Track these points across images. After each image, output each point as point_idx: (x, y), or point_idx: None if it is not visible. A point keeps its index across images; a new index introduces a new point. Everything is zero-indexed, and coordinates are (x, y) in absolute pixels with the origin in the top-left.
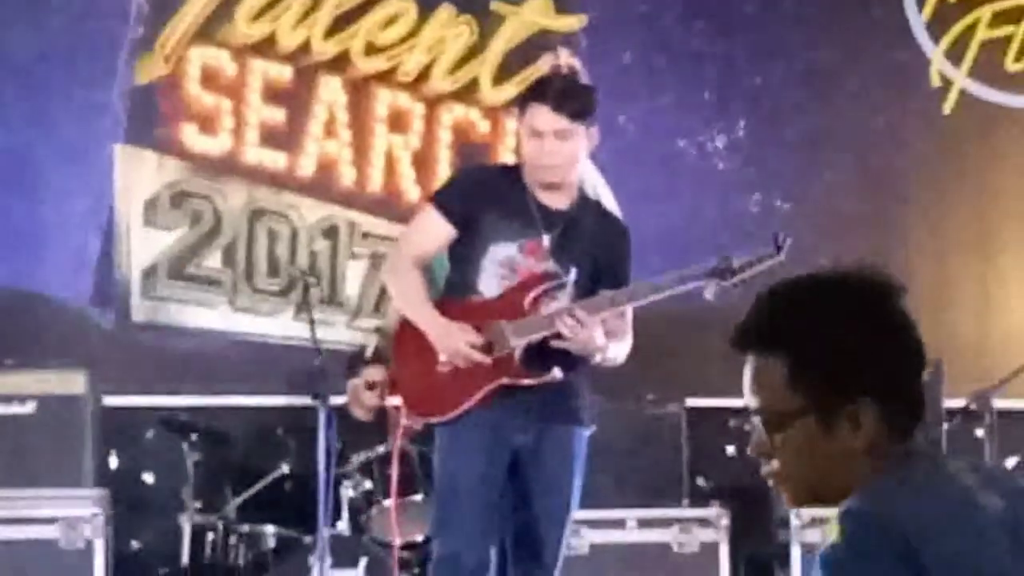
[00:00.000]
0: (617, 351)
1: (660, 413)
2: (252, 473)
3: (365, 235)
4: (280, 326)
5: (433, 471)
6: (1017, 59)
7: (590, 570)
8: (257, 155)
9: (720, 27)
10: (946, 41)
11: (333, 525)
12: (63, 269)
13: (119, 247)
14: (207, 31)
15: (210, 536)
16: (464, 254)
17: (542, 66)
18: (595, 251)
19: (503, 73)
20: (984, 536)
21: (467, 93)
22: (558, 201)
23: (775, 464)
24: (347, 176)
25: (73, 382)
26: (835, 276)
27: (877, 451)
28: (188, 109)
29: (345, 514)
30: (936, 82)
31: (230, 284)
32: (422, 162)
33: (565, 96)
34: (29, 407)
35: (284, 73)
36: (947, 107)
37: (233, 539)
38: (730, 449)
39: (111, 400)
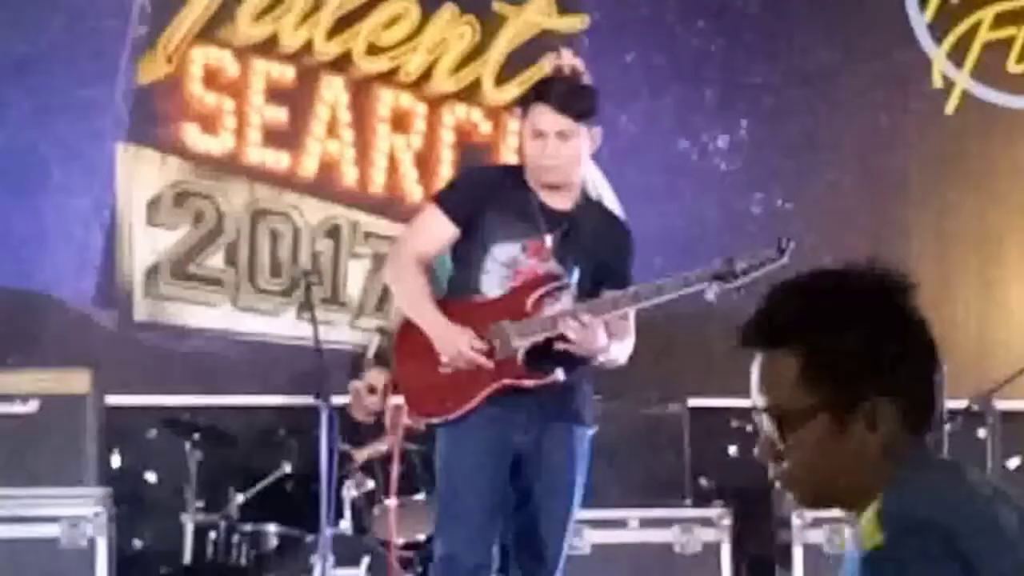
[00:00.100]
0: (619, 352)
1: (662, 413)
2: (254, 472)
3: (367, 235)
4: (282, 326)
5: (435, 471)
6: (1019, 60)
7: (592, 570)
8: (259, 155)
9: (722, 27)
10: (948, 42)
11: (335, 524)
12: (66, 269)
13: (121, 247)
14: (209, 31)
15: (212, 535)
16: (467, 254)
17: (544, 66)
18: (598, 252)
19: (505, 73)
20: (1016, 541)
21: (469, 93)
22: (561, 202)
23: (785, 465)
24: (349, 176)
25: (76, 381)
26: (846, 272)
27: (892, 453)
28: (190, 109)
29: (347, 513)
30: (938, 83)
31: (232, 284)
32: (424, 162)
33: (568, 97)
34: (32, 406)
35: (286, 73)
36: (949, 108)
37: (235, 538)
38: (732, 449)
39: (114, 399)
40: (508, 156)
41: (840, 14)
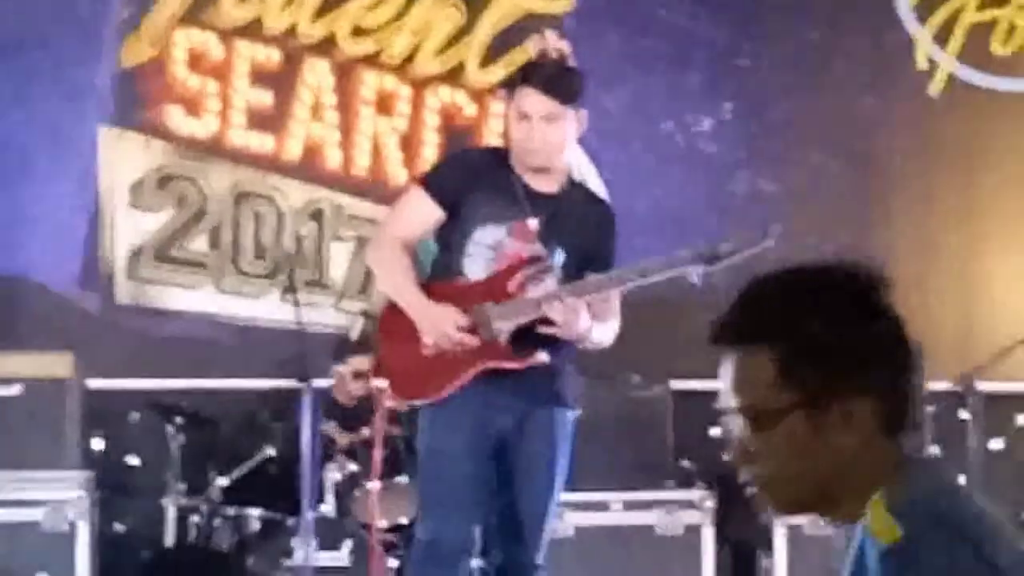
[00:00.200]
0: (602, 334)
1: (645, 396)
2: (237, 456)
3: (351, 218)
4: (266, 309)
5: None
6: (1004, 42)
7: (575, 552)
8: (243, 138)
9: (706, 9)
10: (933, 24)
11: (317, 508)
12: (48, 252)
13: (104, 230)
14: (193, 13)
15: (195, 519)
16: (451, 237)
17: (529, 48)
18: (582, 235)
19: (490, 56)
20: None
21: (454, 76)
22: (546, 185)
23: (758, 468)
24: (333, 159)
25: (58, 365)
26: (821, 268)
27: (869, 454)
28: (174, 92)
29: (330, 496)
30: (923, 65)
31: (216, 267)
32: (409, 145)
33: (555, 80)
34: (14, 390)
35: (271, 56)
36: (934, 90)
37: (218, 521)
38: (715, 432)
39: (96, 383)
40: (492, 138)
41: None
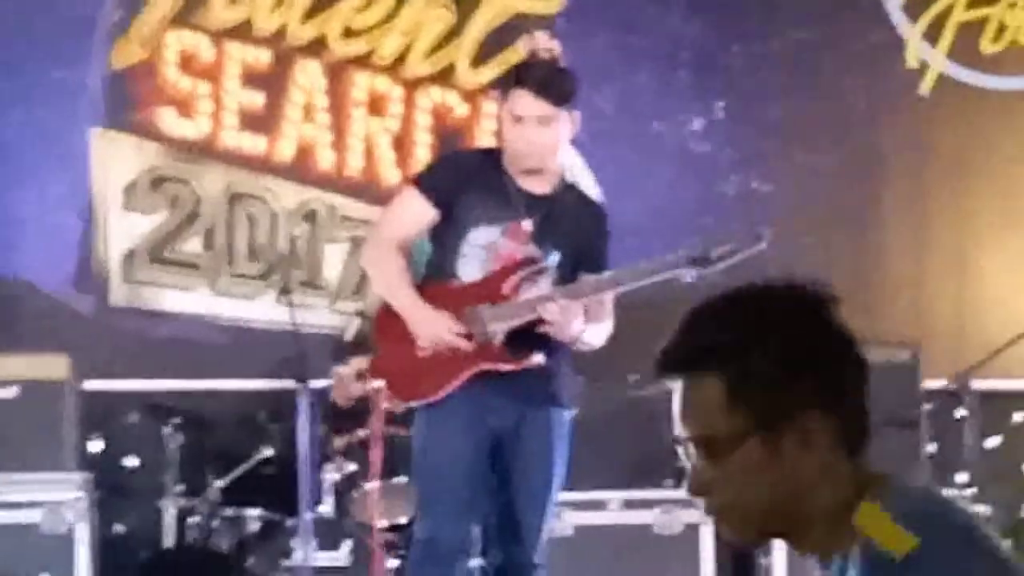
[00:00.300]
0: (595, 336)
1: (642, 395)
2: (234, 457)
3: (344, 219)
4: (260, 310)
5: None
6: (993, 41)
7: (573, 552)
8: (236, 139)
9: (697, 8)
10: (923, 23)
11: (316, 508)
12: (42, 254)
13: (98, 232)
14: (184, 15)
15: (193, 520)
16: (445, 238)
17: (520, 49)
18: (575, 236)
19: (481, 56)
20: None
21: (445, 76)
22: (539, 186)
23: (717, 498)
24: (326, 160)
25: (54, 367)
26: (765, 288)
27: (832, 474)
28: (166, 93)
29: (328, 497)
30: (913, 64)
31: (210, 268)
32: (401, 145)
33: (547, 82)
34: (11, 392)
35: (262, 57)
36: (924, 89)
37: (216, 523)
38: None
39: (92, 384)
40: (484, 139)
41: None
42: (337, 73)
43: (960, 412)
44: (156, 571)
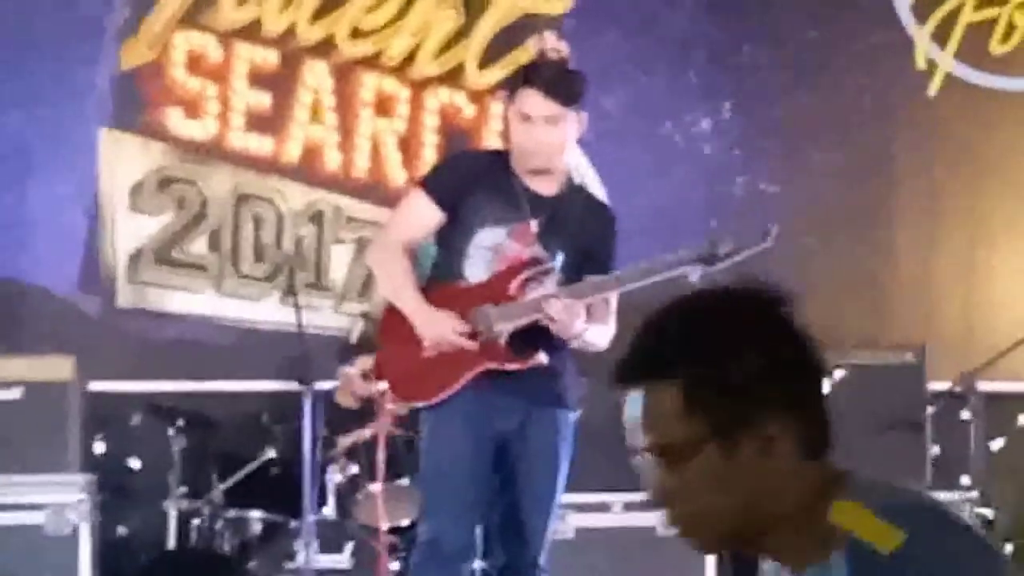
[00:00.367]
0: (598, 336)
1: None
2: (238, 458)
3: (351, 220)
4: (266, 311)
5: (418, 456)
6: (1002, 42)
7: (576, 554)
8: (243, 140)
9: (706, 9)
10: (931, 24)
11: (319, 510)
12: (48, 255)
13: (104, 233)
14: (192, 16)
15: (196, 521)
16: (451, 239)
17: (529, 49)
18: (582, 237)
19: (489, 57)
20: None
21: (453, 77)
22: (546, 187)
23: (678, 508)
24: (333, 161)
25: (59, 368)
26: (720, 293)
27: (794, 478)
28: (173, 94)
29: (331, 499)
30: (921, 65)
31: (216, 269)
32: (408, 146)
33: (556, 81)
34: (15, 393)
35: (269, 58)
36: (932, 90)
37: (219, 524)
38: None
39: (97, 386)
40: (492, 140)
41: None
42: (345, 74)
43: (965, 414)
44: (159, 573)
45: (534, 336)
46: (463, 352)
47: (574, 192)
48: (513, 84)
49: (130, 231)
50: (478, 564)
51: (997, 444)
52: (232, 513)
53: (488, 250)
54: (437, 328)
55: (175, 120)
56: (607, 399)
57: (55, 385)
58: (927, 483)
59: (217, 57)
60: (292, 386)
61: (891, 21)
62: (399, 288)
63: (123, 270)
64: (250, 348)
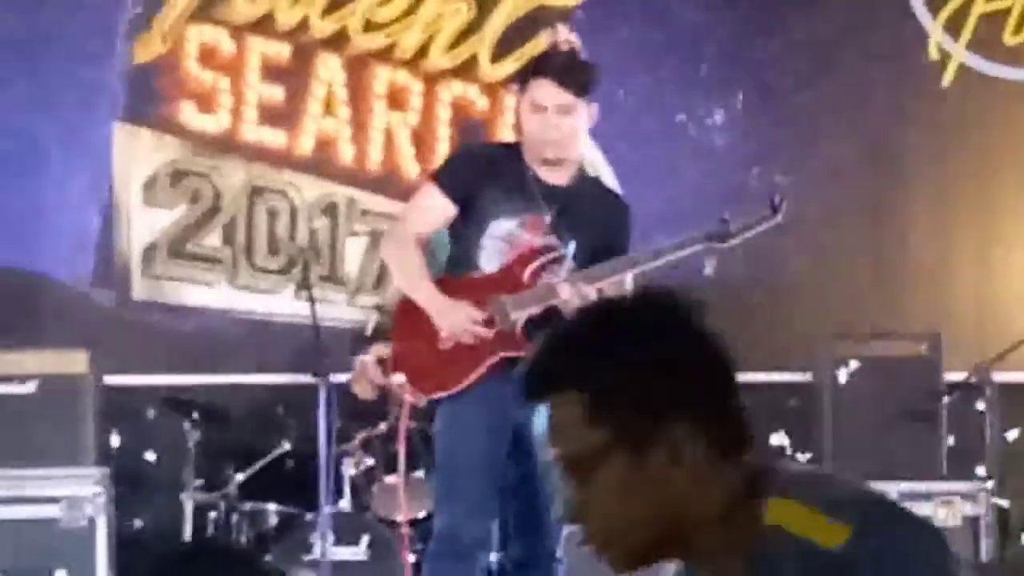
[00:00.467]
0: None
1: None
2: (253, 451)
3: (364, 212)
4: (280, 304)
5: (433, 448)
6: (1015, 32)
7: None
8: (256, 133)
9: (718, 1)
10: (944, 14)
11: (335, 503)
12: (63, 249)
13: (119, 226)
14: (205, 9)
15: (212, 514)
16: (464, 231)
17: (541, 42)
18: (595, 227)
19: (502, 49)
20: None
21: (466, 70)
22: (558, 177)
23: (591, 523)
24: (346, 153)
25: (74, 361)
26: (620, 301)
27: (707, 482)
28: (186, 87)
29: (347, 491)
30: (934, 55)
31: (230, 262)
32: (421, 139)
33: (568, 71)
34: (30, 387)
35: (282, 51)
36: (946, 81)
37: (235, 517)
38: None
39: (112, 379)
40: (505, 132)
41: None
42: (357, 67)
43: (980, 405)
44: (174, 565)
45: (549, 323)
46: (479, 342)
47: (587, 182)
48: (524, 75)
49: (144, 225)
50: (494, 556)
51: (1012, 435)
52: (248, 506)
53: (501, 241)
54: (453, 318)
55: (188, 114)
56: None
57: (70, 378)
58: (943, 474)
59: (230, 51)
60: (307, 379)
61: (904, 12)
62: (414, 280)
63: (137, 263)
64: (265, 341)
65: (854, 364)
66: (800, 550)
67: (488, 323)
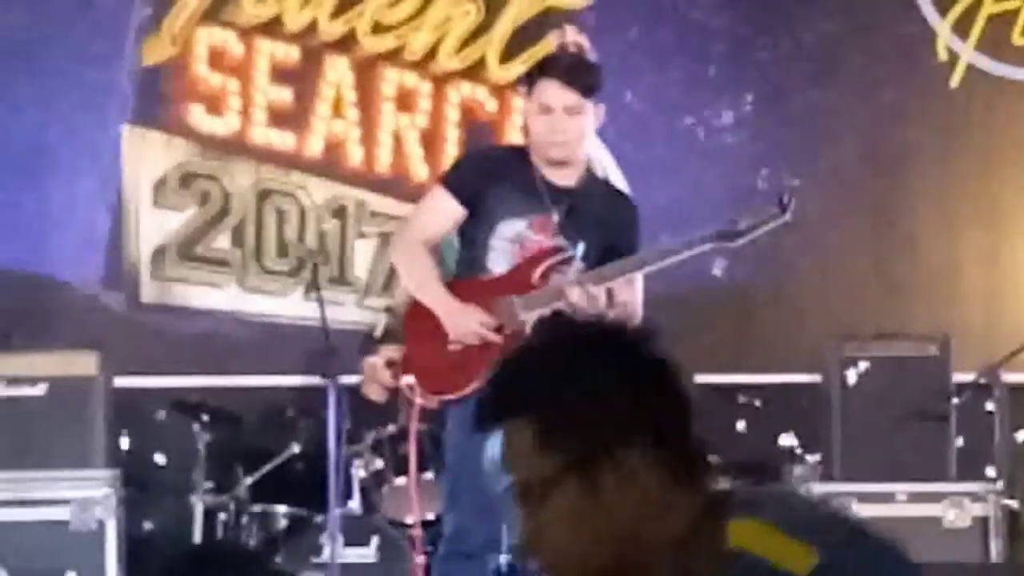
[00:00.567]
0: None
1: None
2: (263, 453)
3: (373, 214)
4: (289, 306)
5: (443, 449)
6: None
7: None
8: (265, 135)
9: (726, 2)
10: (953, 15)
11: (344, 504)
12: (72, 251)
13: (128, 229)
14: (213, 12)
15: (221, 516)
16: (473, 234)
17: (549, 43)
18: (604, 228)
19: (510, 51)
20: None
21: (474, 71)
22: (565, 178)
23: (545, 553)
24: (355, 155)
25: (84, 364)
26: (574, 326)
27: (662, 506)
28: (195, 90)
29: (356, 493)
30: (943, 56)
31: (239, 264)
32: (430, 141)
33: (575, 72)
34: (40, 389)
35: (291, 53)
36: (954, 81)
37: (244, 519)
38: (740, 425)
39: (122, 381)
40: (514, 134)
41: None
42: (366, 69)
43: (989, 405)
44: (184, 567)
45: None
46: (489, 344)
47: (594, 183)
48: (531, 76)
49: (153, 227)
50: (504, 558)
51: (1022, 435)
52: (257, 508)
53: (510, 242)
54: (462, 321)
55: (197, 116)
56: None
57: (80, 381)
58: (952, 475)
59: (239, 53)
60: (316, 381)
61: (912, 12)
62: (423, 284)
63: (147, 266)
64: (274, 343)
65: (863, 365)
66: (765, 573)
67: (498, 326)
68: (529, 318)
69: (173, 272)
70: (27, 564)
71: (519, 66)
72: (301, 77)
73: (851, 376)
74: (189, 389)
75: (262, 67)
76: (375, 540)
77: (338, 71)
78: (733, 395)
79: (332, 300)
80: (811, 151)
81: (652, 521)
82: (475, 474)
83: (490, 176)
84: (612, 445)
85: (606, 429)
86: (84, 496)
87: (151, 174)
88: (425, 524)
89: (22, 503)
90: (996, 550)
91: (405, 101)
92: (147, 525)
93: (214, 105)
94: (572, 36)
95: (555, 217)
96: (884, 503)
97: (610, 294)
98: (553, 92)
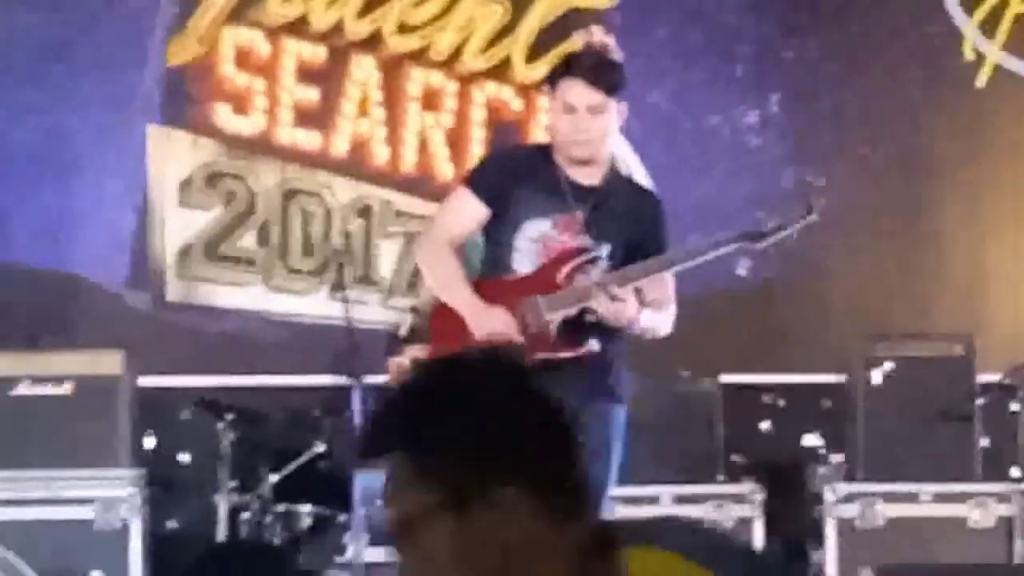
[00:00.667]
0: (657, 322)
1: (695, 390)
2: (287, 452)
3: (399, 214)
4: (314, 306)
5: None
6: None
7: None
8: (291, 135)
9: (753, 2)
10: (979, 15)
11: (369, 503)
12: (99, 250)
13: (154, 228)
14: (240, 12)
15: (245, 515)
16: (498, 233)
17: (575, 43)
18: (629, 226)
19: (536, 51)
20: None
21: (500, 71)
22: (589, 177)
23: None
24: (380, 155)
25: (109, 363)
26: (458, 362)
27: (541, 543)
28: (221, 89)
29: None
30: (969, 56)
31: (264, 264)
32: (455, 140)
33: (598, 71)
34: (66, 388)
35: (317, 53)
36: (980, 81)
37: (268, 518)
38: (764, 425)
39: (147, 380)
40: (539, 133)
41: None
42: (392, 68)
43: (1014, 406)
44: (209, 566)
45: (585, 325)
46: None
47: (618, 181)
48: (554, 75)
49: (179, 227)
50: None
51: None
52: (282, 507)
53: (534, 242)
54: (487, 322)
55: (223, 116)
56: (656, 393)
57: (105, 380)
58: (977, 475)
59: (265, 53)
60: (341, 380)
61: (939, 13)
62: (448, 284)
63: (172, 265)
64: (299, 342)
65: (888, 365)
66: None
67: (523, 326)
68: (554, 318)
69: (198, 272)
70: (52, 563)
71: (544, 66)
72: (327, 77)
73: (876, 376)
74: (214, 388)
75: (288, 67)
76: None
77: (364, 71)
78: (757, 395)
79: (357, 300)
80: (837, 151)
81: (531, 560)
82: None
83: (514, 176)
84: (487, 483)
85: (482, 467)
86: (109, 495)
87: (177, 174)
88: None
89: (47, 502)
90: (1021, 550)
91: (431, 101)
92: (171, 524)
93: (240, 105)
94: (598, 36)
95: (579, 216)
96: (909, 503)
97: (640, 293)
98: (577, 91)
